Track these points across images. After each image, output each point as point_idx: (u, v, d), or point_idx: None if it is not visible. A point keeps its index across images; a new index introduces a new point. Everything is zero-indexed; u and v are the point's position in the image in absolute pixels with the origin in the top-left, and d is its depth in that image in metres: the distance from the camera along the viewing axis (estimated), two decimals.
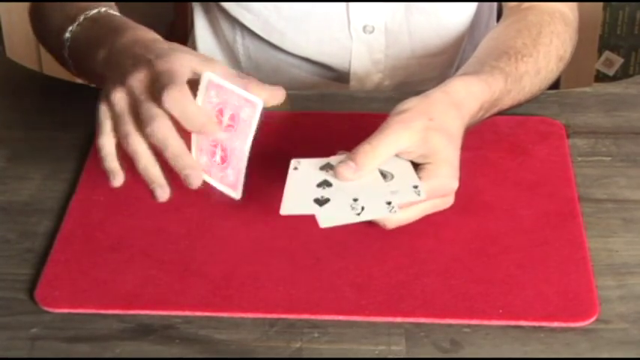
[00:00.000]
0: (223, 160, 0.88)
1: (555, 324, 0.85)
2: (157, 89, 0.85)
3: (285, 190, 0.89)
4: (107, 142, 0.89)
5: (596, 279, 0.88)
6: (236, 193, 0.88)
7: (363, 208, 0.87)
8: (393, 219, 0.90)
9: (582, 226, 0.94)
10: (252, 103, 0.85)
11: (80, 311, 0.87)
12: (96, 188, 0.99)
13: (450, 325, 0.85)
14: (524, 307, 0.86)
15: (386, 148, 0.90)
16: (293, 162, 0.92)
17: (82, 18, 0.99)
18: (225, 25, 1.29)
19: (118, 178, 0.89)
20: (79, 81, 0.94)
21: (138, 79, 0.87)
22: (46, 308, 0.87)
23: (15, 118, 1.11)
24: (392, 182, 0.89)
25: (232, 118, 0.86)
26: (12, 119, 1.11)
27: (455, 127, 0.92)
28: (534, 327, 0.85)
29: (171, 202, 0.96)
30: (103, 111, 0.89)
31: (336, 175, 0.89)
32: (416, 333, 0.85)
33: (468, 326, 0.85)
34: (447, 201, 0.93)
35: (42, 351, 0.84)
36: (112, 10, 1.00)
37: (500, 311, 0.85)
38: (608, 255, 0.92)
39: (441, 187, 0.91)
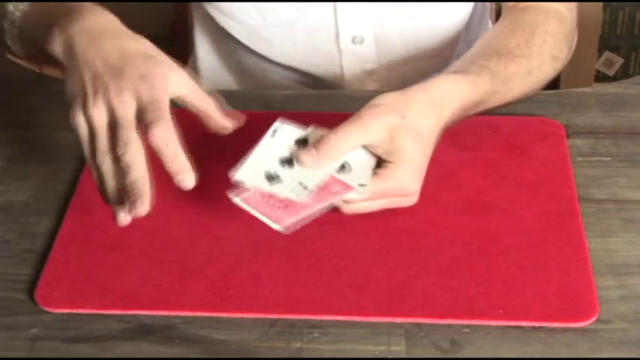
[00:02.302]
0: (286, 205, 0.87)
1: (555, 324, 0.85)
2: (145, 119, 0.83)
3: (250, 154, 0.89)
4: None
5: (596, 279, 0.88)
6: (280, 227, 0.87)
7: (304, 188, 0.87)
8: (348, 206, 0.90)
9: (582, 226, 0.94)
10: (350, 188, 0.88)
11: (80, 311, 0.87)
12: (96, 188, 0.99)
13: (450, 325, 0.85)
14: (524, 307, 0.86)
15: (350, 141, 0.89)
16: (276, 123, 0.92)
17: None
18: (217, 31, 1.27)
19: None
20: None
21: (121, 101, 0.84)
22: (46, 308, 0.87)
23: (15, 118, 1.11)
24: (345, 175, 0.89)
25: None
26: (12, 119, 1.11)
27: (427, 127, 0.91)
28: (534, 327, 0.85)
29: (171, 202, 0.96)
30: (82, 126, 0.86)
31: (297, 160, 0.89)
32: (416, 333, 0.85)
33: (468, 326, 0.85)
34: (409, 200, 0.92)
35: (42, 351, 0.84)
36: None
37: (500, 311, 0.85)
38: (608, 255, 0.92)
39: (398, 188, 0.90)
